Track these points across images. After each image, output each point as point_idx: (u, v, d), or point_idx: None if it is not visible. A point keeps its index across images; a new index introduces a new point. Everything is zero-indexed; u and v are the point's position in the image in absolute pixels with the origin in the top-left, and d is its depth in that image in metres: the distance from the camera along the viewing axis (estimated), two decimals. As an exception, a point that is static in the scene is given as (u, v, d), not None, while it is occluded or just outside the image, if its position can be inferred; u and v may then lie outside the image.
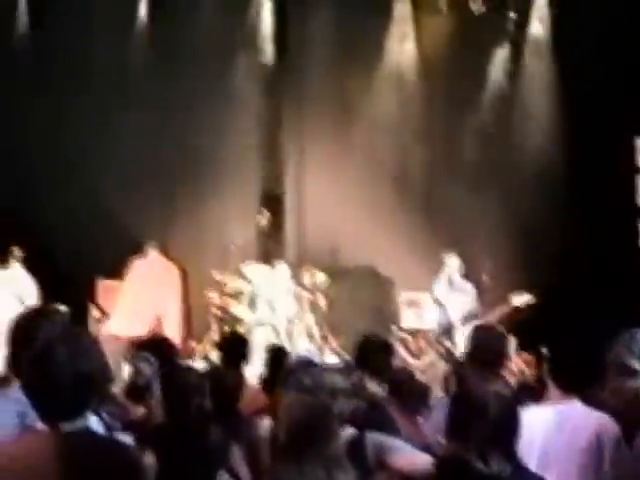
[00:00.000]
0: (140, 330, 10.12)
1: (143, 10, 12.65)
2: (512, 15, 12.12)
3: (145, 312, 11.24)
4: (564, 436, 3.87)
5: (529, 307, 10.23)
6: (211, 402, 4.05)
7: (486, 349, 5.26)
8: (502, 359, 5.37)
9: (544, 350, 4.21)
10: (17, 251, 11.06)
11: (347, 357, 9.36)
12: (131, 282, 11.52)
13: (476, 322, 9.36)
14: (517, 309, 10.08)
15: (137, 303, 11.35)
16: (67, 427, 2.86)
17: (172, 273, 11.93)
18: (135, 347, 5.29)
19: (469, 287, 10.84)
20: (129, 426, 4.12)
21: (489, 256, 11.34)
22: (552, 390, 4.02)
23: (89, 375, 2.86)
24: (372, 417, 4.33)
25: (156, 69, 12.43)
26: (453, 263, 10.90)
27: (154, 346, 5.23)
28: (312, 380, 3.31)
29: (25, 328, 3.51)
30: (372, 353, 5.30)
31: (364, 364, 5.21)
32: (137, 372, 5.03)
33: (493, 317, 9.71)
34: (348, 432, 3.64)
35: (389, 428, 4.41)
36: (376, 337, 5.75)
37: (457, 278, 10.87)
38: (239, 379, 5.70)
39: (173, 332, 10.74)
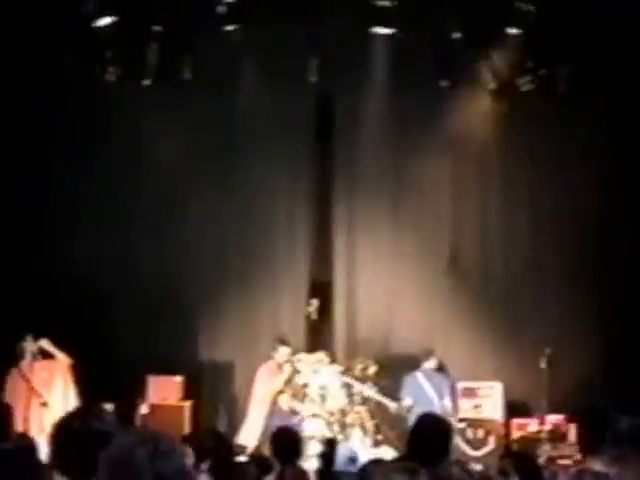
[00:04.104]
0: None
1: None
2: (561, 91, 11.93)
3: None
4: None
5: None
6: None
7: None
8: None
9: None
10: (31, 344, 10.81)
11: (401, 448, 9.01)
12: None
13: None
14: None
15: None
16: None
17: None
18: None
19: None
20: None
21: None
22: None
23: (168, 477, 2.83)
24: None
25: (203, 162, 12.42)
26: None
27: (197, 440, 5.17)
28: None
29: (76, 429, 3.53)
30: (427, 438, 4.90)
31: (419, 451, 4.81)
32: None
33: None
34: None
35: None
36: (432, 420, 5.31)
37: None
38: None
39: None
